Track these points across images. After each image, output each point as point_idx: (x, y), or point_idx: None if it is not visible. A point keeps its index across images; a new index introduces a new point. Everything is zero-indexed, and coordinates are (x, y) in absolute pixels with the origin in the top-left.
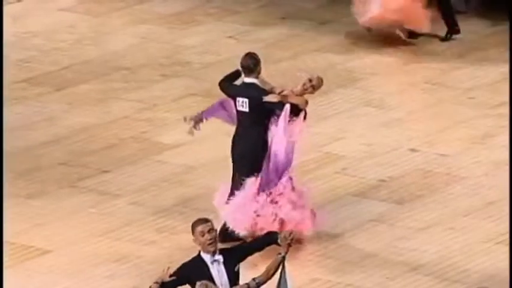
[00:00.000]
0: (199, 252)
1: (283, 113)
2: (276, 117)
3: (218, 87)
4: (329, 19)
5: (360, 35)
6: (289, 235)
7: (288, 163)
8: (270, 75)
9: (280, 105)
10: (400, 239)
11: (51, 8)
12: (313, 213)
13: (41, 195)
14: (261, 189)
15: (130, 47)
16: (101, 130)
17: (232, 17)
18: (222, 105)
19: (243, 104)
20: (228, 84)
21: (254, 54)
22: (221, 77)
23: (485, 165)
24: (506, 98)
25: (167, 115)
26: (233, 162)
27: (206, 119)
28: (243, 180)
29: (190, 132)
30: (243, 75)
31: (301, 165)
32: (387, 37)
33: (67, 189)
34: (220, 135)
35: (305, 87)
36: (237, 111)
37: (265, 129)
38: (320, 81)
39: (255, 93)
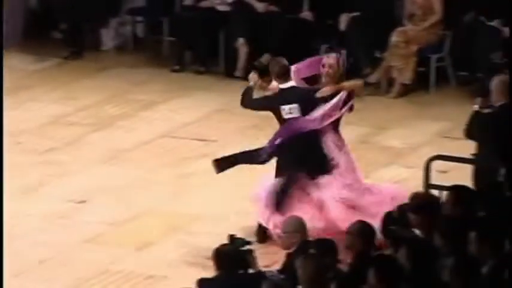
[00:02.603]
0: None
1: (336, 99)
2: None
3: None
4: None
5: None
6: None
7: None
8: None
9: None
10: None
11: None
12: None
13: None
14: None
15: None
16: None
17: None
18: None
19: (291, 110)
20: (260, 99)
21: (279, 57)
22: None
23: (35, 217)
24: (55, 143)
25: None
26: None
27: None
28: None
29: None
30: (276, 82)
31: None
32: None
33: None
34: None
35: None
36: (283, 119)
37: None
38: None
39: (304, 94)
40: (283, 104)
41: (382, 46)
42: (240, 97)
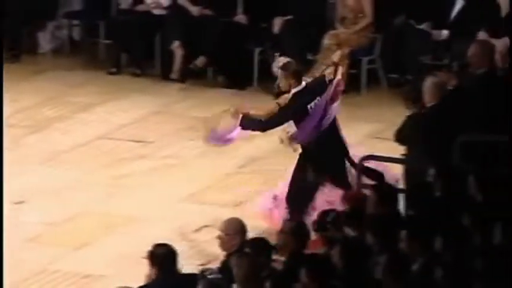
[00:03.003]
0: None
1: (339, 75)
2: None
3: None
4: None
5: None
6: None
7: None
8: None
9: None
10: None
11: None
12: None
13: None
14: None
15: None
16: None
17: None
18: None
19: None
20: (283, 112)
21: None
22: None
23: None
24: None
25: None
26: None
27: None
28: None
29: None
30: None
31: None
32: None
33: None
34: None
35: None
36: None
37: None
38: None
39: (319, 84)
40: (311, 102)
41: (315, 48)
42: (174, 99)
